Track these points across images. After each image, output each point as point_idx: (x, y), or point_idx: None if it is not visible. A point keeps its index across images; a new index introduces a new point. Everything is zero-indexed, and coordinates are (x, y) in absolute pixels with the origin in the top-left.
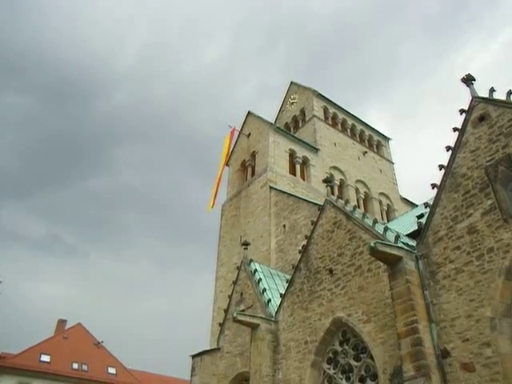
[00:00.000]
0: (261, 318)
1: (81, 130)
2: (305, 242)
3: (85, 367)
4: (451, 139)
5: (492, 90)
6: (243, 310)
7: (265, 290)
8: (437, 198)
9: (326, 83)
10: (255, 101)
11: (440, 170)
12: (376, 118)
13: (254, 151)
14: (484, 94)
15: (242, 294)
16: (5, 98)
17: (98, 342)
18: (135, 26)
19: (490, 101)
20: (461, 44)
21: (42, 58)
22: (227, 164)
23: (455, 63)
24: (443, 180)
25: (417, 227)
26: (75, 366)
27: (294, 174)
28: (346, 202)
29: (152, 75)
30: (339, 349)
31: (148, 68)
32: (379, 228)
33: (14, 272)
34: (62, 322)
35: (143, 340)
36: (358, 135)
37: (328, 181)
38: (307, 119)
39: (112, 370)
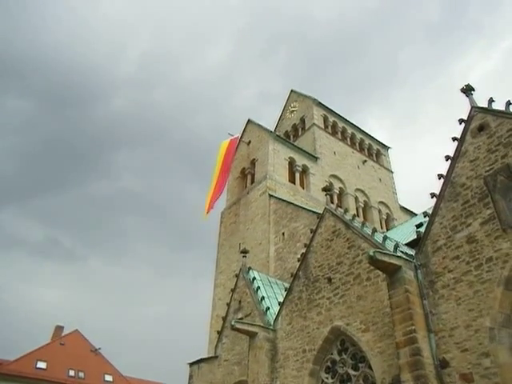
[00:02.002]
0: (259, 326)
1: (80, 134)
2: (304, 251)
3: (81, 374)
4: (450, 148)
5: (491, 101)
6: (241, 318)
7: (263, 298)
8: (436, 208)
9: (325, 90)
10: (255, 107)
11: (439, 179)
12: (375, 126)
13: (254, 159)
14: (484, 102)
15: (240, 301)
16: (4, 101)
17: (95, 349)
18: (136, 31)
19: (489, 111)
20: (461, 51)
21: (43, 63)
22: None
23: (455, 71)
24: (442, 189)
25: (416, 236)
26: (72, 373)
27: (294, 183)
28: (346, 210)
29: (152, 80)
30: (337, 358)
31: (148, 73)
32: (378, 237)
33: (11, 276)
34: (59, 329)
35: (141, 347)
36: (357, 144)
37: (327, 189)
38: (307, 127)
39: (109, 378)
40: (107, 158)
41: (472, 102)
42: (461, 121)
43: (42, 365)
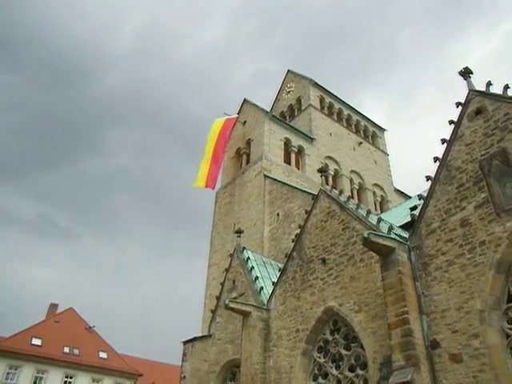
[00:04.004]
0: (253, 305)
1: (74, 111)
2: (298, 231)
3: (76, 351)
4: (447, 131)
5: (489, 84)
6: (235, 298)
7: (257, 278)
8: (431, 191)
9: (322, 70)
10: (251, 86)
11: (435, 162)
12: (372, 108)
13: (249, 139)
14: (482, 85)
15: (234, 281)
16: None
17: (90, 327)
18: (132, 6)
19: (486, 94)
20: (460, 33)
21: (34, 35)
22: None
23: (454, 53)
24: (437, 172)
25: (410, 219)
26: (66, 349)
27: (289, 163)
28: (340, 192)
29: (148, 57)
30: (330, 338)
31: (144, 50)
32: (372, 219)
33: (5, 254)
34: (53, 307)
35: (135, 325)
36: (353, 125)
37: (323, 170)
38: (303, 108)
39: (103, 355)
40: (102, 135)
41: (470, 85)
42: (458, 104)
43: (37, 341)
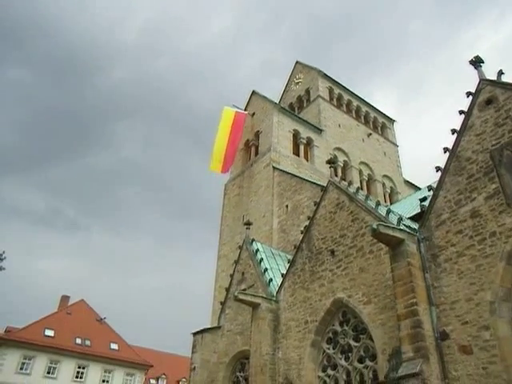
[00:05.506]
0: (262, 297)
1: (82, 105)
2: (307, 223)
3: (88, 342)
4: (457, 121)
5: (500, 73)
6: (244, 290)
7: (266, 269)
8: (440, 182)
9: (330, 62)
10: (259, 78)
11: (444, 152)
12: (380, 99)
13: (258, 131)
14: (491, 75)
15: (243, 273)
16: (4, 70)
17: (101, 318)
18: None
19: (497, 84)
20: (470, 24)
21: (43, 30)
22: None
23: (463, 43)
24: (447, 163)
25: (420, 210)
26: (78, 341)
27: (298, 155)
28: (349, 183)
29: (155, 49)
30: (339, 329)
31: (151, 42)
32: (382, 210)
33: (16, 246)
34: (65, 298)
35: (145, 317)
36: (362, 117)
37: (332, 162)
38: (312, 99)
39: (114, 346)
40: (109, 128)
41: (481, 74)
42: (468, 94)
43: (49, 333)
